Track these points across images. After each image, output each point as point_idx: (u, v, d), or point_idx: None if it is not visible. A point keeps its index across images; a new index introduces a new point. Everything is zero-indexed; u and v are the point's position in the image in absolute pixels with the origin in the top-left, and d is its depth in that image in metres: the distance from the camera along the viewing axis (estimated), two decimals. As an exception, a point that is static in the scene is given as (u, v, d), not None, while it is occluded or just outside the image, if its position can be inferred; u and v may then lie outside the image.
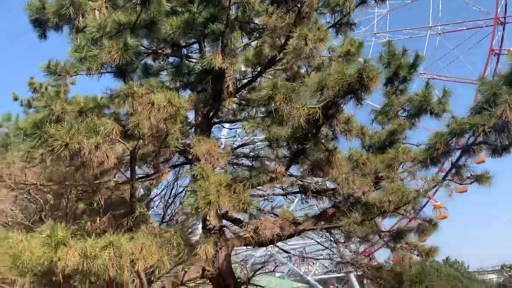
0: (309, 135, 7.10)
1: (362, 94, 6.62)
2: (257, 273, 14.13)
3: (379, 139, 9.74)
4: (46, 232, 5.34)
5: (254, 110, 11.17)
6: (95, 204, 10.39)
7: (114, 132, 5.97)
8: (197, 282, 10.05)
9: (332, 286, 73.88)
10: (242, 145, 10.42)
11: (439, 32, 58.34)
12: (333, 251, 11.64)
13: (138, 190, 8.62)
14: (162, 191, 13.12)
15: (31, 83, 17.27)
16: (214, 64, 7.31)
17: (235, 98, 9.41)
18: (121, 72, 7.27)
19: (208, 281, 9.50)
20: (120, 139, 6.42)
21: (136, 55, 6.77)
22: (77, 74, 6.86)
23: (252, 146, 10.49)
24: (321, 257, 27.40)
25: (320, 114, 6.40)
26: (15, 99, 17.78)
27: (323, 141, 7.08)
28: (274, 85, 6.11)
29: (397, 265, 9.14)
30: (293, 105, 6.14)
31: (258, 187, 7.77)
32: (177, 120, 6.78)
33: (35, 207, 9.13)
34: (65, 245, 5.32)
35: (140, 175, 8.43)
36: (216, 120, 10.10)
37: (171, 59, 10.41)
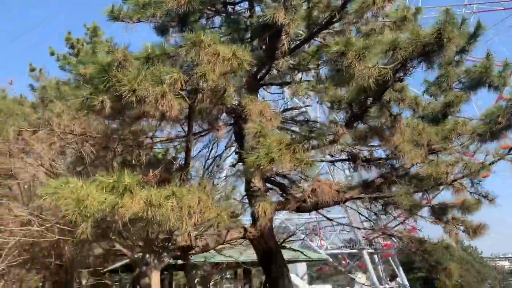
0: (372, 98, 6.83)
1: (436, 57, 6.30)
2: (289, 238, 14.20)
3: (433, 111, 9.40)
4: (113, 178, 5.26)
5: (301, 74, 10.88)
6: (135, 160, 10.41)
7: (180, 81, 5.79)
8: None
9: (344, 262, 74.58)
10: (289, 109, 10.18)
11: (474, 11, 56.04)
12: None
13: (193, 145, 8.52)
14: (199, 152, 13.07)
15: (68, 38, 17.17)
16: (276, 18, 6.99)
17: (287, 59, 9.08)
18: (183, 22, 7.02)
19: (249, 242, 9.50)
20: (180, 91, 6.26)
21: (201, 3, 6.51)
22: (140, 21, 6.64)
23: (298, 110, 10.24)
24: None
25: (391, 76, 6.10)
26: (52, 54, 17.73)
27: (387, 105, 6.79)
28: (347, 41, 5.81)
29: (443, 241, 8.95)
30: (365, 64, 5.85)
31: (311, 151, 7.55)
32: (238, 75, 6.57)
33: (80, 157, 9.11)
34: (131, 192, 5.24)
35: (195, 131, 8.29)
36: (262, 82, 9.86)
37: (216, 20, 10.14)
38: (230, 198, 6.36)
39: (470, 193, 7.75)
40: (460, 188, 7.75)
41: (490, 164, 7.10)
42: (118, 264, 18.86)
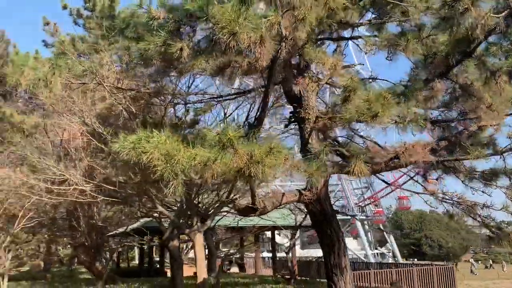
0: (467, 52, 6.31)
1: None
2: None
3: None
4: (217, 131, 4.74)
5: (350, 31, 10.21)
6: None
7: (276, 26, 5.18)
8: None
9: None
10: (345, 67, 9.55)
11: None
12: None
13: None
14: (231, 113, 12.55)
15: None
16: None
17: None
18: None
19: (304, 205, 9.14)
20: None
21: None
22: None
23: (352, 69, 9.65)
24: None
25: (502, 25, 5.57)
26: (64, 7, 16.67)
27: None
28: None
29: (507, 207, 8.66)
30: (479, 11, 5.31)
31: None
32: (327, 22, 5.98)
33: (132, 114, 8.46)
34: (233, 147, 4.74)
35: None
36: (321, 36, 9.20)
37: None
38: (323, 160, 5.88)
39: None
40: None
41: None
42: (130, 226, 18.40)
